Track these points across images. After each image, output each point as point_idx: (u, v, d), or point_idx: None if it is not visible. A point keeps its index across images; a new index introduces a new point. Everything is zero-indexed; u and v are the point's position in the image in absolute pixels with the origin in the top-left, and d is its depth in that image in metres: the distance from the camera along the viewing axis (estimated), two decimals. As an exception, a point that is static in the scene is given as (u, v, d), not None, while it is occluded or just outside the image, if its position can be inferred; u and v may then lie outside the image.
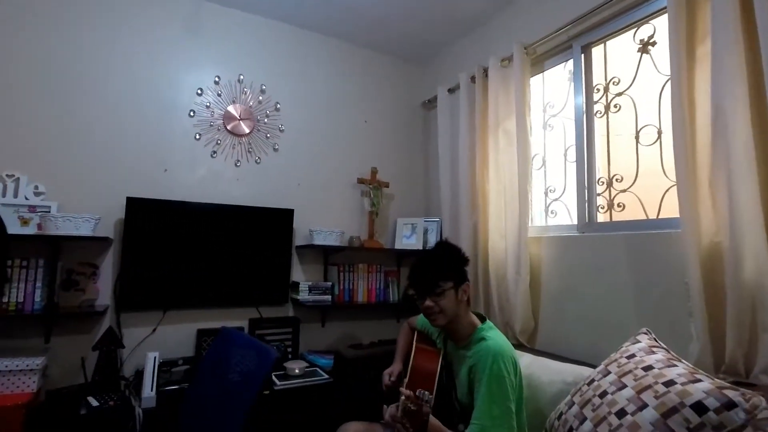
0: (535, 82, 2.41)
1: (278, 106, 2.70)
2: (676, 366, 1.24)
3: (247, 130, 2.59)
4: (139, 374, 2.00)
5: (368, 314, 2.89)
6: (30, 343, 1.96)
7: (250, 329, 2.45)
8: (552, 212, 2.32)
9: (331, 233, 2.55)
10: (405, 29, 2.79)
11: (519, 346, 2.07)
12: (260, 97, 2.65)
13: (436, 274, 1.49)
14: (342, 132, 2.92)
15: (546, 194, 2.36)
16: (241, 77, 2.60)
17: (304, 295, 2.48)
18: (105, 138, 2.23)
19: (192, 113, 2.45)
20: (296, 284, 2.53)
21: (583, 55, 2.13)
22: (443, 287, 1.46)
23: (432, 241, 2.80)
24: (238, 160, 2.57)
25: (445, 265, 1.51)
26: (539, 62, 2.34)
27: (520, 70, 2.23)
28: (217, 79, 2.53)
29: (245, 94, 2.61)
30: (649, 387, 1.20)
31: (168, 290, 2.24)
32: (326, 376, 2.21)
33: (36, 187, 2.05)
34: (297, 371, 2.18)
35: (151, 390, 1.84)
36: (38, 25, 2.12)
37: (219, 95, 2.53)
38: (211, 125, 2.50)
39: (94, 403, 1.76)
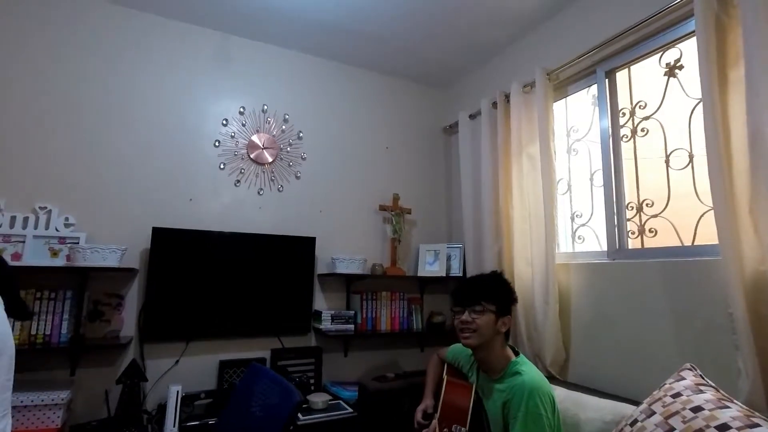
0: (558, 106, 2.40)
1: (301, 134, 2.73)
2: (728, 407, 1.16)
3: (270, 159, 2.62)
4: (162, 408, 1.98)
5: (392, 343, 2.83)
6: (55, 376, 1.97)
7: (273, 360, 2.41)
8: (579, 238, 2.27)
9: (353, 261, 2.53)
10: (427, 56, 2.83)
11: (550, 378, 1.98)
12: (283, 126, 2.69)
13: (483, 291, 1.50)
14: (364, 159, 2.94)
15: (572, 219, 2.31)
16: (265, 107, 2.65)
17: (326, 325, 2.44)
18: (132, 169, 2.28)
19: (217, 143, 2.50)
20: (318, 313, 2.50)
21: (607, 80, 2.11)
22: (485, 306, 1.47)
23: (455, 267, 2.76)
24: (261, 189, 2.60)
25: (495, 290, 1.52)
26: (562, 87, 2.33)
27: (543, 96, 2.22)
28: (242, 109, 2.58)
29: (269, 123, 2.65)
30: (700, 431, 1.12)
31: (191, 320, 2.23)
32: (350, 410, 2.15)
33: (66, 219, 2.09)
34: (320, 405, 2.13)
35: (174, 426, 1.81)
36: (68, 61, 2.21)
37: (243, 125, 2.58)
38: (235, 154, 2.54)
39: (117, 439, 1.74)
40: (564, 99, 2.38)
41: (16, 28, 2.13)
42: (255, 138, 2.60)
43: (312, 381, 2.42)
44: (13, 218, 1.98)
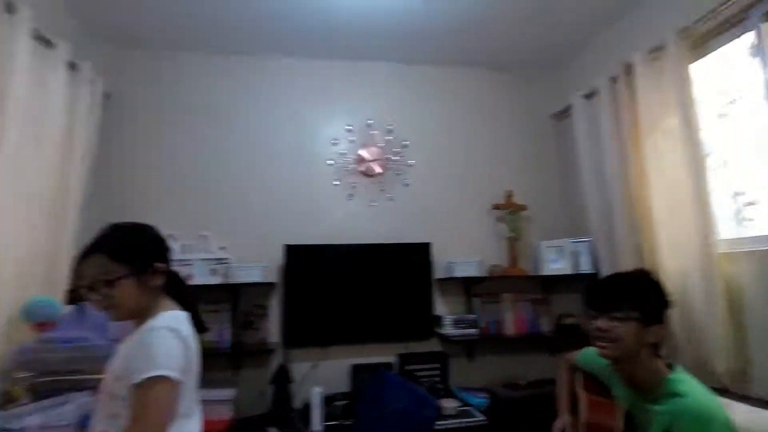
0: (698, 68, 2.02)
1: (405, 143, 2.79)
2: None
3: (378, 170, 2.73)
4: (306, 407, 2.19)
5: (519, 347, 2.69)
6: (223, 376, 2.31)
7: (400, 365, 2.49)
8: (746, 220, 1.87)
9: (470, 264, 2.48)
10: (527, 40, 2.64)
11: (722, 391, 1.66)
12: (388, 137, 2.78)
13: (625, 294, 1.24)
14: (471, 158, 2.87)
15: (735, 198, 1.92)
16: (370, 122, 2.77)
17: (449, 329, 2.44)
18: (264, 195, 2.59)
19: (330, 162, 2.69)
20: (440, 318, 2.51)
21: (763, 24, 1.72)
22: (628, 314, 1.20)
23: (585, 264, 2.50)
24: (373, 201, 2.72)
25: (640, 292, 1.24)
26: (700, 45, 1.96)
27: (677, 59, 1.89)
28: (349, 127, 2.74)
29: (374, 136, 2.77)
30: None
31: (325, 328, 2.44)
32: (482, 417, 2.10)
33: (220, 244, 2.47)
34: (451, 410, 2.12)
35: (319, 424, 1.99)
36: (215, 111, 2.62)
37: (351, 142, 2.74)
38: (346, 170, 2.71)
39: (274, 433, 1.97)
40: (703, 58, 2.00)
41: (173, 91, 2.60)
42: (363, 152, 2.73)
43: (440, 386, 2.43)
44: (184, 245, 2.41)
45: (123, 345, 1.00)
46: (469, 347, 2.61)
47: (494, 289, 2.65)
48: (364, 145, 2.74)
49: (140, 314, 1.03)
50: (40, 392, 1.48)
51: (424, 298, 2.56)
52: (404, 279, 2.55)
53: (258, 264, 2.32)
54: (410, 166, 2.78)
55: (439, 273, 2.66)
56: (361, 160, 2.73)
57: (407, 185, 2.76)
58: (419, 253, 2.59)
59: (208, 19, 2.32)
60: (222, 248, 2.47)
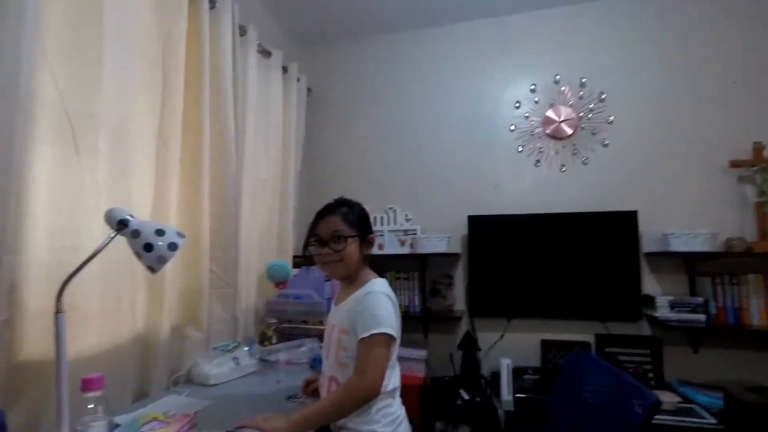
0: None
1: (603, 96, 2.42)
2: None
3: (569, 131, 2.45)
4: (495, 376, 2.21)
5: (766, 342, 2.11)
6: (415, 337, 2.52)
7: (598, 346, 2.26)
8: None
9: (695, 236, 2.04)
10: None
11: None
12: (580, 93, 2.46)
13: None
14: (695, 105, 2.30)
15: None
16: (557, 77, 2.49)
17: (663, 312, 2.08)
18: (446, 167, 2.64)
19: (512, 127, 2.55)
20: (650, 298, 2.16)
21: None
22: None
23: None
24: (563, 165, 2.47)
25: None
26: None
27: None
28: (532, 87, 2.53)
29: (563, 93, 2.48)
30: None
31: (510, 299, 2.39)
32: (712, 420, 1.75)
33: (406, 215, 2.65)
34: (669, 406, 1.83)
35: (509, 395, 1.99)
36: (397, 88, 2.76)
37: (536, 102, 2.52)
38: (531, 134, 2.52)
39: (465, 396, 2.07)
40: None
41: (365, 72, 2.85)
42: (550, 113, 2.49)
43: (650, 375, 2.12)
44: (375, 218, 2.67)
45: (343, 304, 1.17)
46: (692, 336, 2.18)
47: (733, 268, 2.11)
48: (551, 105, 2.50)
49: (352, 276, 1.19)
50: (284, 335, 1.89)
51: (629, 275, 2.23)
52: (603, 252, 2.27)
53: (443, 236, 2.40)
54: (609, 122, 2.41)
55: (648, 246, 2.27)
56: (548, 121, 2.49)
57: (606, 145, 2.41)
58: (623, 223, 2.26)
59: (379, 1, 2.44)
60: (408, 220, 2.64)
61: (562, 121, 2.46)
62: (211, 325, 1.67)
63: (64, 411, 0.97)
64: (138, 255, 1.06)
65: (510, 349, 2.38)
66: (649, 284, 2.28)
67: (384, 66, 2.80)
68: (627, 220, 2.25)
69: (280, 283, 2.03)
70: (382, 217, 2.67)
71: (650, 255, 2.25)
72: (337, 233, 1.14)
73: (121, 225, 1.04)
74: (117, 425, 1.06)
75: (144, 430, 1.05)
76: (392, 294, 1.13)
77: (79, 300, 1.13)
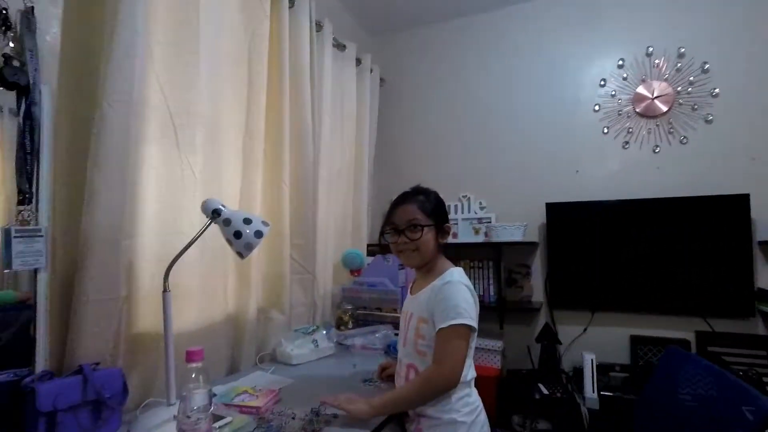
0: None
1: (706, 66, 2.15)
2: None
3: (664, 108, 2.22)
4: (577, 372, 2.09)
5: None
6: (490, 328, 2.46)
7: (699, 344, 2.05)
8: None
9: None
10: None
11: None
12: (678, 64, 2.21)
13: None
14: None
15: None
16: (650, 49, 2.26)
17: (782, 309, 1.82)
18: (522, 152, 2.52)
19: (597, 107, 2.36)
20: (765, 293, 1.90)
21: None
22: None
23: None
24: (657, 146, 2.25)
25: None
26: None
27: None
28: (620, 62, 2.32)
29: (657, 67, 2.25)
30: None
31: (595, 291, 2.24)
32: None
33: (480, 203, 2.58)
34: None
35: (593, 392, 1.88)
36: (470, 74, 2.69)
37: (624, 79, 2.31)
38: (619, 114, 2.32)
39: (544, 390, 1.99)
40: None
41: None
42: (641, 89, 2.27)
43: (767, 381, 1.87)
44: (448, 206, 2.63)
45: (421, 292, 1.17)
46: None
47: None
48: (642, 80, 2.28)
49: (429, 265, 1.18)
50: (359, 321, 1.94)
51: (739, 266, 1.98)
52: (707, 240, 2.04)
53: (519, 224, 2.30)
54: (714, 96, 2.14)
55: (763, 234, 1.99)
56: (638, 98, 2.28)
57: (710, 121, 2.15)
58: (731, 209, 2.01)
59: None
60: (483, 208, 2.57)
61: (656, 97, 2.24)
62: (292, 309, 1.78)
63: (171, 378, 1.09)
64: (229, 241, 1.15)
65: (594, 343, 2.24)
66: (765, 277, 2.00)
67: (456, 51, 2.73)
68: (736, 205, 1.99)
69: (354, 270, 2.09)
70: (455, 206, 2.63)
71: (765, 244, 1.97)
72: (413, 222, 1.14)
73: (215, 214, 1.14)
74: (214, 394, 1.17)
75: (236, 401, 1.15)
76: (470, 284, 1.12)
77: (181, 281, 1.25)
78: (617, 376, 2.02)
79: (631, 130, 2.29)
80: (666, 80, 2.22)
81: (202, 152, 1.37)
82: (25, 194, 0.96)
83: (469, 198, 2.61)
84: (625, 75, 2.31)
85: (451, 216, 2.59)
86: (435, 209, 1.17)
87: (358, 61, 2.43)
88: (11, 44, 0.97)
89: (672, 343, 2.03)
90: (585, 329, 2.30)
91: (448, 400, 1.05)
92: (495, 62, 2.62)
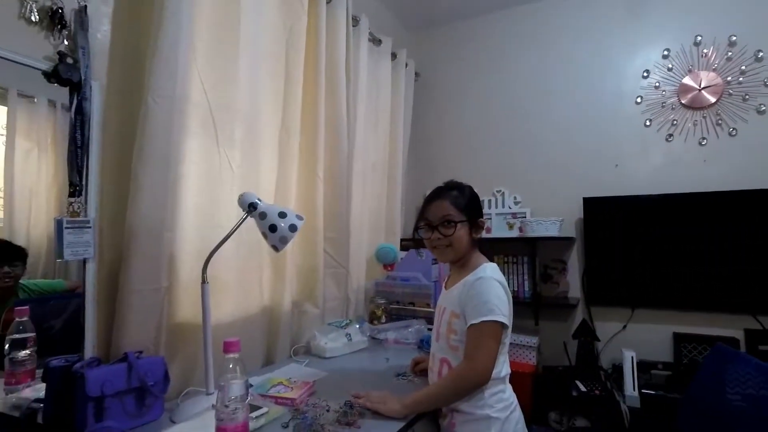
0: None
1: (760, 54, 2.02)
2: None
3: (712, 99, 2.10)
4: (617, 369, 2.03)
5: None
6: (525, 324, 2.40)
7: (748, 342, 1.94)
8: None
9: None
10: None
11: None
12: (729, 53, 2.08)
13: None
14: None
15: None
16: (698, 38, 2.14)
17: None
18: (559, 145, 2.45)
19: (639, 99, 2.26)
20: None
21: None
22: None
23: None
24: (703, 138, 2.13)
25: None
26: None
27: None
28: (665, 52, 2.21)
29: (705, 56, 2.13)
30: None
31: (635, 287, 2.16)
32: None
33: (515, 198, 2.53)
34: None
35: (634, 390, 1.81)
36: (505, 68, 2.62)
37: (669, 69, 2.20)
38: (662, 106, 2.21)
39: (582, 387, 1.93)
40: None
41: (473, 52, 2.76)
42: (687, 80, 2.16)
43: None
44: (482, 201, 2.58)
45: (454, 287, 1.15)
46: None
47: None
48: (688, 71, 2.16)
49: (463, 260, 1.17)
50: (392, 315, 1.94)
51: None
52: (756, 235, 1.93)
53: (555, 219, 2.24)
54: (768, 84, 2.01)
55: (823, 231, 1.86)
56: (684, 89, 2.17)
57: (762, 112, 2.02)
58: (785, 203, 1.88)
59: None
60: (517, 203, 2.52)
61: (703, 87, 2.12)
62: (325, 302, 1.79)
63: (210, 368, 1.11)
64: (264, 235, 1.17)
65: (634, 340, 2.16)
66: (824, 277, 1.87)
67: (493, 44, 2.67)
68: (792, 199, 1.87)
69: (388, 265, 2.08)
70: (489, 200, 2.58)
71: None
72: (446, 218, 1.13)
73: (251, 207, 1.16)
74: (250, 385, 1.19)
75: (272, 392, 1.16)
76: (503, 279, 1.10)
77: (218, 273, 1.28)
78: (659, 375, 1.95)
79: (675, 122, 2.18)
80: (714, 70, 2.10)
81: (240, 147, 1.39)
82: (76, 187, 1.00)
83: (503, 193, 2.56)
84: (670, 65, 2.20)
85: (485, 211, 2.54)
86: (468, 204, 1.15)
87: (394, 56, 2.41)
88: (66, 42, 1.00)
89: (718, 341, 1.93)
90: (624, 326, 2.21)
91: (482, 396, 1.04)
92: (533, 54, 2.55)
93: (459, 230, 1.12)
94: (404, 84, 2.47)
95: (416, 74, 2.68)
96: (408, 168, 2.57)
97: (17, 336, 0.98)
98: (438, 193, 1.17)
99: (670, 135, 2.20)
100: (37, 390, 0.98)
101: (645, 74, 2.25)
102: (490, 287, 1.04)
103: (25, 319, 0.99)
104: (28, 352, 0.99)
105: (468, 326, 1.03)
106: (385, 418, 1.04)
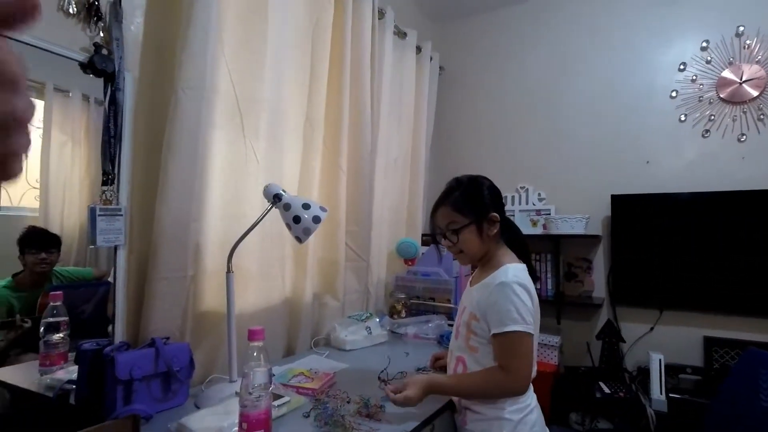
0: None
1: (807, 44, 1.91)
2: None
3: (754, 93, 2.01)
4: (642, 371, 1.98)
5: None
6: (547, 323, 2.36)
7: (785, 351, 1.85)
8: None
9: None
10: None
11: None
12: (772, 43, 1.98)
13: None
14: None
15: None
16: (741, 29, 2.04)
17: None
18: (587, 142, 2.38)
19: (674, 93, 2.17)
20: None
21: None
22: None
23: None
24: (743, 134, 2.04)
25: None
26: None
27: None
28: (704, 44, 2.11)
29: (747, 48, 2.03)
30: None
31: (664, 288, 2.09)
32: None
33: (539, 195, 2.47)
34: None
35: (661, 393, 1.76)
36: (527, 62, 2.56)
37: (708, 62, 2.11)
38: (699, 100, 2.12)
39: (605, 389, 1.89)
40: None
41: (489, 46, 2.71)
42: (727, 73, 2.06)
43: None
44: (505, 197, 2.54)
45: (475, 287, 1.12)
46: None
47: None
48: (729, 63, 2.06)
49: (484, 258, 1.13)
50: (412, 310, 1.93)
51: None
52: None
53: (581, 216, 2.18)
54: (815, 77, 1.90)
55: None
56: (724, 83, 2.07)
57: (808, 107, 1.91)
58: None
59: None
60: (542, 199, 2.46)
61: (745, 81, 2.02)
62: (346, 295, 1.79)
63: (233, 356, 1.13)
64: (288, 226, 1.18)
65: (662, 343, 2.10)
66: None
67: (518, 37, 2.62)
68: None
69: (409, 259, 2.08)
70: (513, 197, 2.54)
71: None
72: (450, 227, 1.10)
73: (275, 198, 1.17)
74: (273, 374, 1.20)
75: (293, 382, 1.18)
76: (527, 281, 1.04)
77: (241, 263, 1.29)
78: (688, 379, 1.89)
79: (712, 117, 2.09)
80: (758, 62, 2.00)
81: (265, 138, 1.40)
82: (108, 175, 1.03)
83: (527, 189, 2.51)
84: (708, 58, 2.10)
85: (508, 207, 2.50)
86: (471, 203, 1.09)
87: (418, 49, 2.38)
88: (101, 34, 1.03)
89: (753, 345, 1.85)
90: (652, 328, 2.15)
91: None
92: (560, 47, 2.48)
93: (465, 235, 1.08)
94: (428, 78, 2.44)
95: (440, 68, 2.64)
96: (431, 162, 2.55)
97: (51, 319, 1.02)
98: (440, 199, 1.14)
99: (707, 131, 2.11)
100: (69, 372, 1.02)
101: (681, 67, 2.16)
102: (511, 293, 0.99)
103: (58, 303, 1.03)
104: (61, 335, 1.03)
105: (493, 334, 1.00)
106: (406, 411, 1.03)
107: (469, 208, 1.09)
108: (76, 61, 0.99)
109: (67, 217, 1.07)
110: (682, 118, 2.15)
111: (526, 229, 2.41)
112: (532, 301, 1.02)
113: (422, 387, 1.02)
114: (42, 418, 0.93)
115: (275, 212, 1.19)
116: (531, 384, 1.09)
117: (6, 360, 0.97)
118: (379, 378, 1.09)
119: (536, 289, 2.08)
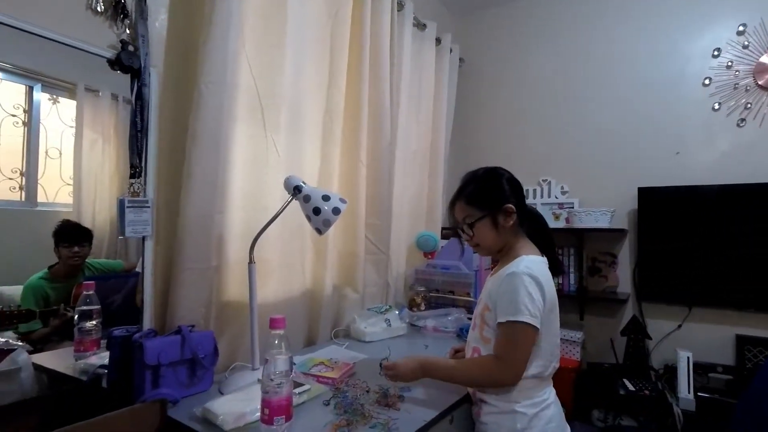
0: None
1: None
2: None
3: (794, 79, 1.90)
4: (669, 369, 1.93)
5: None
6: (569, 318, 2.32)
7: (824, 351, 1.77)
8: None
9: None
10: None
11: None
12: (816, 26, 1.87)
13: None
14: None
15: None
16: (781, 10, 1.93)
17: None
18: (613, 133, 2.31)
19: (707, 81, 2.08)
20: None
21: None
22: None
23: None
24: (781, 123, 1.94)
25: None
26: None
27: None
28: (741, 28, 2.02)
29: (787, 30, 1.92)
30: None
31: (693, 285, 2.02)
32: None
33: (562, 188, 2.42)
34: None
35: (689, 392, 1.71)
36: (551, 53, 2.50)
37: (745, 47, 2.01)
38: (735, 87, 2.03)
39: (630, 387, 1.85)
40: None
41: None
42: (765, 58, 1.96)
43: None
44: (526, 191, 2.50)
45: (490, 279, 1.13)
46: None
47: None
48: (767, 49, 1.96)
49: (503, 250, 1.12)
50: (431, 303, 1.93)
51: None
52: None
53: (606, 210, 2.13)
54: None
55: None
56: (761, 69, 1.97)
57: None
58: None
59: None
60: (564, 192, 2.41)
61: (784, 66, 1.92)
62: (365, 288, 1.81)
63: (256, 344, 1.16)
64: (308, 218, 1.19)
65: (690, 341, 2.03)
66: None
67: (540, 27, 2.55)
68: None
69: (428, 253, 2.07)
70: (535, 190, 2.50)
71: None
72: (465, 222, 1.10)
73: (296, 190, 1.18)
74: (294, 363, 1.23)
75: (313, 371, 1.20)
76: (540, 273, 1.01)
77: (263, 255, 1.32)
78: (719, 378, 1.83)
79: (749, 105, 2.00)
80: (798, 46, 1.90)
81: (286, 132, 1.42)
82: (136, 168, 1.07)
83: (549, 182, 2.46)
84: (746, 42, 2.00)
85: (530, 200, 2.46)
86: (485, 195, 1.09)
87: (438, 41, 2.35)
88: (127, 31, 1.06)
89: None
90: (680, 325, 2.08)
91: (509, 389, 1.01)
92: (583, 37, 2.41)
93: (479, 228, 1.08)
94: (448, 70, 2.41)
95: (460, 60, 2.61)
96: (451, 155, 2.52)
97: (85, 308, 1.07)
98: (456, 194, 1.14)
99: (743, 120, 2.01)
100: (102, 358, 1.07)
101: (715, 53, 2.07)
102: (520, 284, 0.98)
103: (91, 293, 1.08)
104: (94, 322, 1.08)
105: (497, 323, 1.00)
106: (424, 402, 1.05)
107: (482, 201, 1.09)
108: (105, 58, 1.03)
109: (99, 212, 1.12)
110: (716, 106, 2.07)
111: (548, 222, 2.35)
112: (543, 294, 0.99)
113: (415, 362, 1.06)
114: (76, 400, 0.98)
115: (296, 204, 1.21)
116: (551, 379, 1.08)
117: (46, 346, 1.03)
118: (380, 365, 1.11)
119: (558, 284, 2.04)
